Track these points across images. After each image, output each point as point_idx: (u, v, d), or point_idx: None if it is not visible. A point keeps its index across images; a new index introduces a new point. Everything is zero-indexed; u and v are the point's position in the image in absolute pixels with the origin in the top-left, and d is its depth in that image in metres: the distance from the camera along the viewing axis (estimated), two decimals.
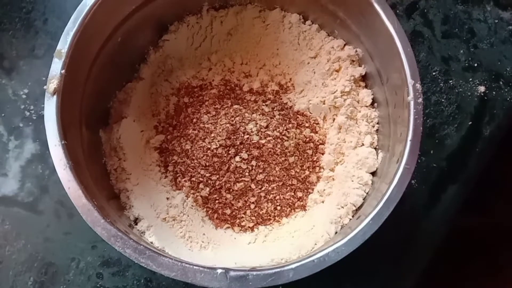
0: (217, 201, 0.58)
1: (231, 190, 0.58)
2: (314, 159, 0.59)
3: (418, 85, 0.48)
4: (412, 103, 0.48)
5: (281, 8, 0.64)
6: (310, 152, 0.59)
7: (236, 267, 0.44)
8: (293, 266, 0.43)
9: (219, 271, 0.42)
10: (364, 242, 0.45)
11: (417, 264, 0.65)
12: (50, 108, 0.46)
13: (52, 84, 0.46)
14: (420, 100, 0.48)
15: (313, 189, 0.59)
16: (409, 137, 0.47)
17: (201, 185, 0.58)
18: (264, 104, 0.61)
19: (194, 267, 0.42)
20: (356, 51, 0.59)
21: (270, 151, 0.58)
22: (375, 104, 0.58)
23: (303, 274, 0.43)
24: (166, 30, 0.64)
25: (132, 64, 0.62)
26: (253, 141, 0.58)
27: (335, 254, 0.44)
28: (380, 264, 0.64)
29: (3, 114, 0.66)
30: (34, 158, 0.65)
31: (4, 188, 0.64)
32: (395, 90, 0.52)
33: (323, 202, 0.58)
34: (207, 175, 0.58)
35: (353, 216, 0.54)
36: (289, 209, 0.59)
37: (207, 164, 0.58)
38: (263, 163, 0.58)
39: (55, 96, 0.46)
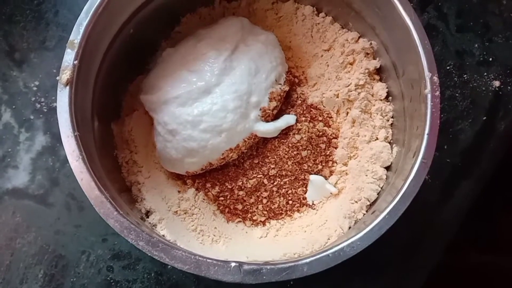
0: (228, 198, 0.58)
1: (243, 187, 0.57)
2: (327, 153, 0.58)
3: (435, 78, 0.48)
4: (429, 96, 0.47)
5: (294, 0, 0.63)
6: (323, 146, 0.58)
7: (249, 261, 0.43)
8: (308, 260, 0.43)
9: (233, 264, 0.41)
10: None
11: (428, 260, 0.65)
12: (63, 99, 0.45)
13: (65, 74, 0.45)
14: (437, 93, 0.47)
15: None
16: (426, 131, 0.46)
17: (208, 184, 0.58)
18: None
19: (208, 260, 0.42)
20: (371, 43, 0.58)
21: (283, 145, 0.57)
22: (390, 98, 0.57)
23: (317, 268, 0.43)
24: (178, 22, 0.63)
25: (144, 56, 0.62)
26: None
27: (350, 249, 0.43)
28: (391, 260, 0.64)
29: (14, 106, 0.66)
30: (44, 151, 0.65)
31: (15, 181, 0.64)
32: (411, 83, 0.51)
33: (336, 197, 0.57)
34: (219, 176, 0.58)
35: (367, 211, 0.53)
36: (301, 203, 0.58)
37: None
38: (275, 157, 0.57)
39: (67, 87, 0.46)
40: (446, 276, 0.68)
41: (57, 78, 0.46)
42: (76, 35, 0.47)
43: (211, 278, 0.41)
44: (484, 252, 0.76)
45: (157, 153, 0.58)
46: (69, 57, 0.46)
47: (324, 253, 0.43)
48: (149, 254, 0.42)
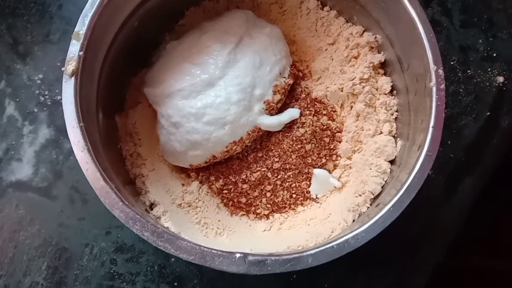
0: (232, 191, 0.58)
1: (247, 181, 0.57)
2: (331, 147, 0.58)
3: (440, 71, 0.47)
4: (434, 89, 0.47)
5: None
6: (327, 140, 0.58)
7: (254, 252, 0.43)
8: (312, 252, 0.43)
9: (238, 255, 0.42)
10: (382, 231, 0.45)
11: (432, 255, 0.65)
12: (68, 90, 0.45)
13: (71, 65, 0.45)
14: (442, 86, 0.47)
15: None
16: (431, 124, 0.46)
17: (212, 178, 0.58)
18: None
19: (213, 251, 0.42)
20: (376, 37, 0.58)
21: (287, 138, 0.57)
22: (394, 92, 0.57)
23: (322, 260, 0.43)
24: (182, 15, 0.63)
25: (148, 49, 0.62)
26: None
27: (355, 241, 0.43)
28: (395, 254, 0.64)
29: (17, 99, 0.66)
30: (48, 144, 0.65)
31: (18, 173, 0.64)
32: (416, 77, 0.51)
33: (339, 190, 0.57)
34: (223, 169, 0.58)
35: (371, 205, 0.53)
36: (304, 197, 0.58)
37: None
38: (279, 151, 0.57)
39: (73, 78, 0.46)
40: (447, 277, 0.68)
41: (62, 69, 0.46)
42: (82, 26, 0.47)
43: (216, 269, 0.41)
44: (486, 254, 0.76)
45: (161, 146, 0.58)
46: (75, 48, 0.46)
47: (329, 245, 0.43)
48: (154, 245, 0.42)
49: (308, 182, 0.58)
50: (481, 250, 0.76)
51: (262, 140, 0.58)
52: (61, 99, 0.64)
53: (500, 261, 0.75)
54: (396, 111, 0.57)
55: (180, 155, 0.56)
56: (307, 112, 0.58)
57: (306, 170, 0.58)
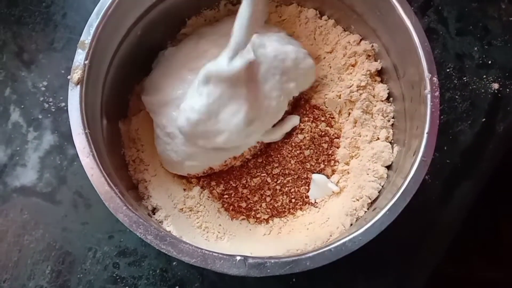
0: (232, 196, 0.59)
1: (247, 186, 0.59)
2: (330, 153, 0.59)
3: (435, 79, 0.49)
4: (429, 96, 0.48)
5: (297, 3, 0.64)
6: (325, 145, 0.59)
7: (254, 255, 0.45)
8: (310, 254, 0.44)
9: (238, 258, 0.43)
10: (379, 234, 0.46)
11: (431, 258, 0.66)
12: (74, 98, 0.47)
13: (76, 74, 0.47)
14: (437, 93, 0.49)
15: None
16: (426, 130, 0.48)
17: (212, 183, 0.59)
18: None
19: (214, 254, 0.43)
20: (372, 46, 0.59)
21: (286, 144, 0.58)
22: (391, 99, 0.59)
23: (320, 262, 0.44)
24: (184, 24, 0.64)
25: (151, 58, 0.63)
26: None
27: (352, 244, 0.44)
28: (394, 258, 0.64)
29: (22, 106, 0.67)
30: (52, 149, 0.66)
31: (23, 179, 0.65)
32: (411, 85, 0.53)
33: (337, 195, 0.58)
34: (224, 175, 0.59)
35: (368, 209, 0.54)
36: (303, 202, 0.59)
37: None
38: (279, 156, 0.58)
39: (78, 86, 0.47)
40: (446, 281, 0.69)
41: (68, 77, 0.47)
42: (87, 35, 0.48)
43: (217, 271, 0.43)
44: (484, 257, 0.76)
45: (159, 155, 0.59)
46: (80, 57, 0.48)
47: (327, 248, 0.44)
48: (157, 248, 0.43)
49: (307, 187, 0.59)
50: (479, 253, 0.76)
51: (262, 146, 0.59)
52: (65, 106, 0.66)
53: (499, 264, 0.76)
54: (393, 118, 0.58)
55: (177, 164, 0.57)
56: (306, 118, 0.59)
57: (305, 175, 0.59)
